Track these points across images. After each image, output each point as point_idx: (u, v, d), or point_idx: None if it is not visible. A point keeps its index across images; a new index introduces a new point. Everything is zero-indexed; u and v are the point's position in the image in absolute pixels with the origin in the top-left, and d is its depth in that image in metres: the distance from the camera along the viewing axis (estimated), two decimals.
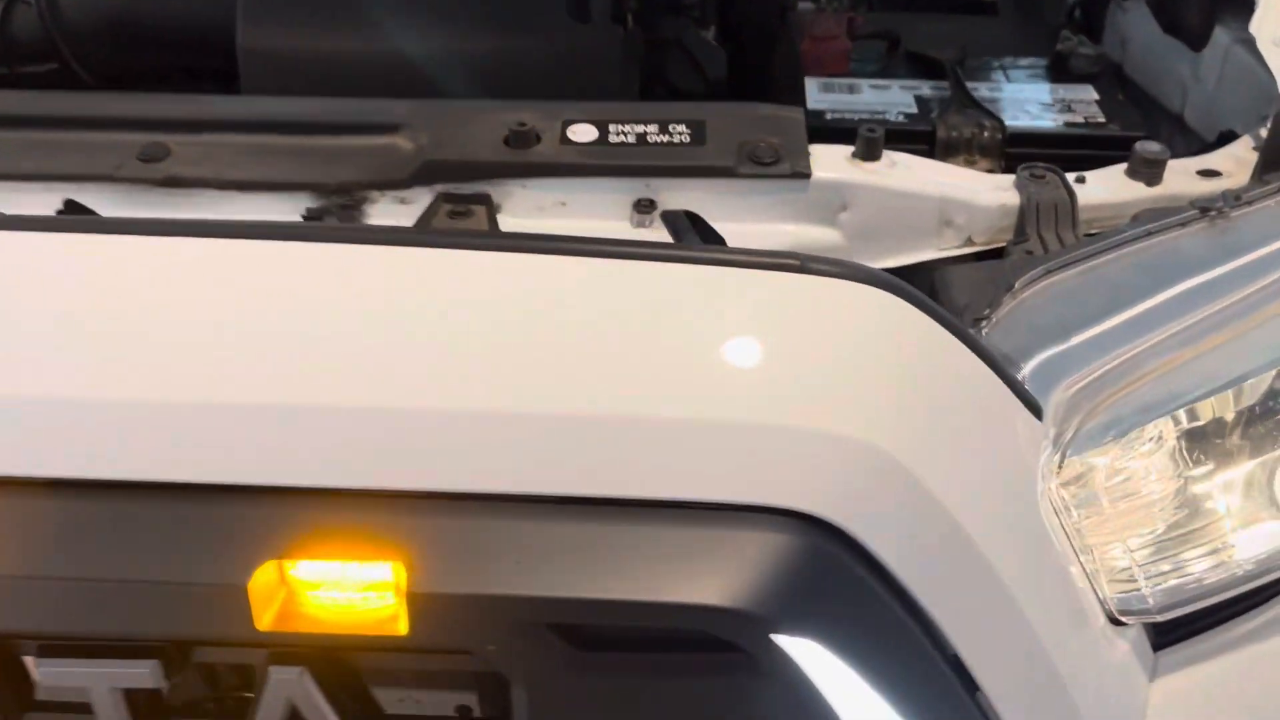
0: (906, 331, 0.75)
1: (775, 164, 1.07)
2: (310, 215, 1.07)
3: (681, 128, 1.12)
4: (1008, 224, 1.10)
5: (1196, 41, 1.41)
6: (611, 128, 1.12)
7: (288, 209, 1.06)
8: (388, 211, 1.10)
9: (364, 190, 1.09)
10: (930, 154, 1.33)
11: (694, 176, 1.08)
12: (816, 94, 1.44)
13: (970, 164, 1.32)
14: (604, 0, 1.36)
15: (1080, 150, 1.34)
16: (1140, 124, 1.37)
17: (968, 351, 0.77)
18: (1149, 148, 1.13)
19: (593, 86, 1.40)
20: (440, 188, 1.09)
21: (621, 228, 1.09)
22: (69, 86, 1.50)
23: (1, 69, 1.53)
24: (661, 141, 1.10)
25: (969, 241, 1.11)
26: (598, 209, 1.10)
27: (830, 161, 1.09)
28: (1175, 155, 1.47)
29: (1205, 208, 1.02)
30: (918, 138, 1.34)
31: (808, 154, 1.09)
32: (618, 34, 1.39)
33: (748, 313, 0.74)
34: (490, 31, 1.37)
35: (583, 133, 1.12)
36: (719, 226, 1.08)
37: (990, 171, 1.33)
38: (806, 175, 1.07)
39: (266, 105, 1.21)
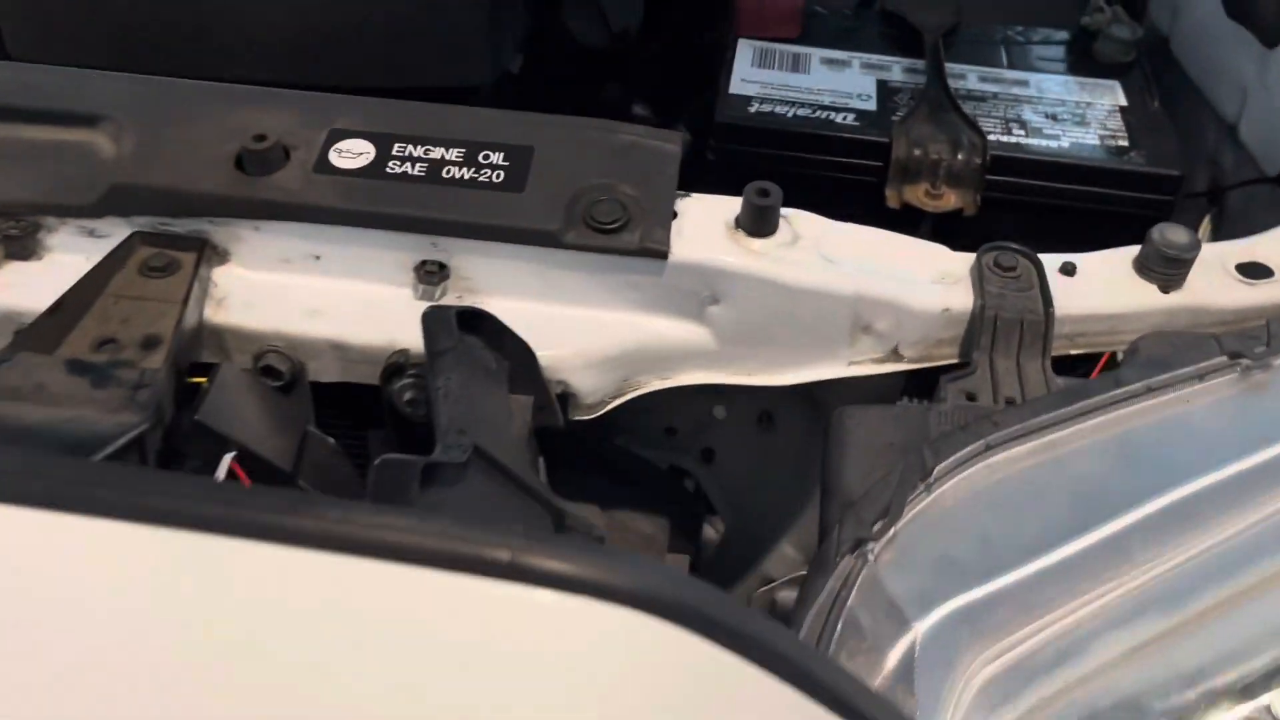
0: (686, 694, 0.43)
1: (619, 230, 0.73)
2: None
3: (497, 158, 0.77)
4: (951, 335, 0.77)
5: (1270, 35, 1.04)
6: (396, 148, 0.77)
7: None
8: (70, 246, 0.77)
9: (38, 214, 0.76)
10: (880, 180, 0.98)
11: (500, 240, 0.74)
12: (747, 69, 1.08)
13: (933, 197, 0.98)
14: None
15: (1084, 189, 0.99)
16: (1176, 156, 1.01)
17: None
18: (1172, 238, 0.78)
19: (451, 45, 1.04)
20: (141, 221, 0.75)
21: (403, 295, 0.76)
22: None
23: None
24: (462, 178, 0.76)
25: (894, 354, 0.78)
26: (366, 268, 0.76)
27: (701, 233, 0.75)
28: (1219, 181, 1.12)
29: (1236, 353, 0.69)
30: (867, 152, 0.99)
31: (670, 219, 0.75)
32: None
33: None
34: None
35: (352, 153, 0.77)
36: (540, 310, 0.75)
37: (961, 209, 0.98)
38: (661, 255, 0.73)
39: None
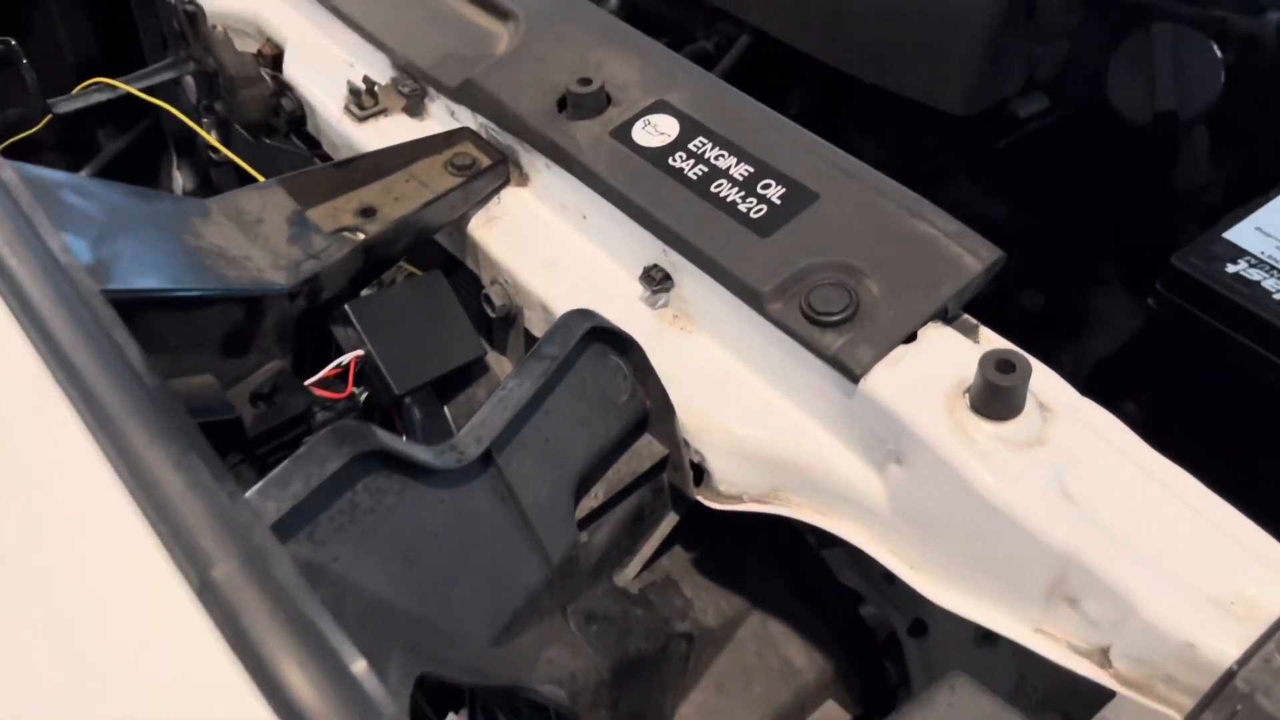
0: None
1: (831, 325, 0.60)
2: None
3: (775, 191, 0.67)
4: (1189, 681, 0.52)
5: None
6: (695, 142, 0.70)
7: None
8: (438, 117, 0.84)
9: (424, 81, 0.84)
10: None
11: (711, 276, 0.65)
12: (1276, 217, 0.79)
13: None
14: None
15: None
16: None
17: None
18: None
19: (939, 65, 0.91)
20: (483, 121, 0.79)
21: (631, 289, 0.71)
22: None
23: None
24: (726, 198, 0.67)
25: (1101, 655, 0.55)
26: (614, 248, 0.73)
27: (922, 376, 0.58)
28: None
29: None
30: None
31: (897, 341, 0.59)
32: None
33: None
34: None
35: (656, 130, 0.72)
36: (728, 366, 0.66)
37: None
38: (852, 376, 0.58)
39: None
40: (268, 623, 0.40)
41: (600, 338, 0.63)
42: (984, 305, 1.28)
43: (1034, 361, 0.60)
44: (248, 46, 1.00)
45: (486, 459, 0.57)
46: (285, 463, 0.50)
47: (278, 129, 0.96)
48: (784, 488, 0.64)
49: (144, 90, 0.93)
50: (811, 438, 0.63)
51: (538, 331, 0.74)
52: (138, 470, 0.43)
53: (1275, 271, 0.74)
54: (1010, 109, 0.98)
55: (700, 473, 0.66)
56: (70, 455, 0.44)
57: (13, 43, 0.88)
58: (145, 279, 0.58)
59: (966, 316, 0.63)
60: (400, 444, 0.53)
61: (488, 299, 0.76)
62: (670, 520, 0.70)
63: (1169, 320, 0.77)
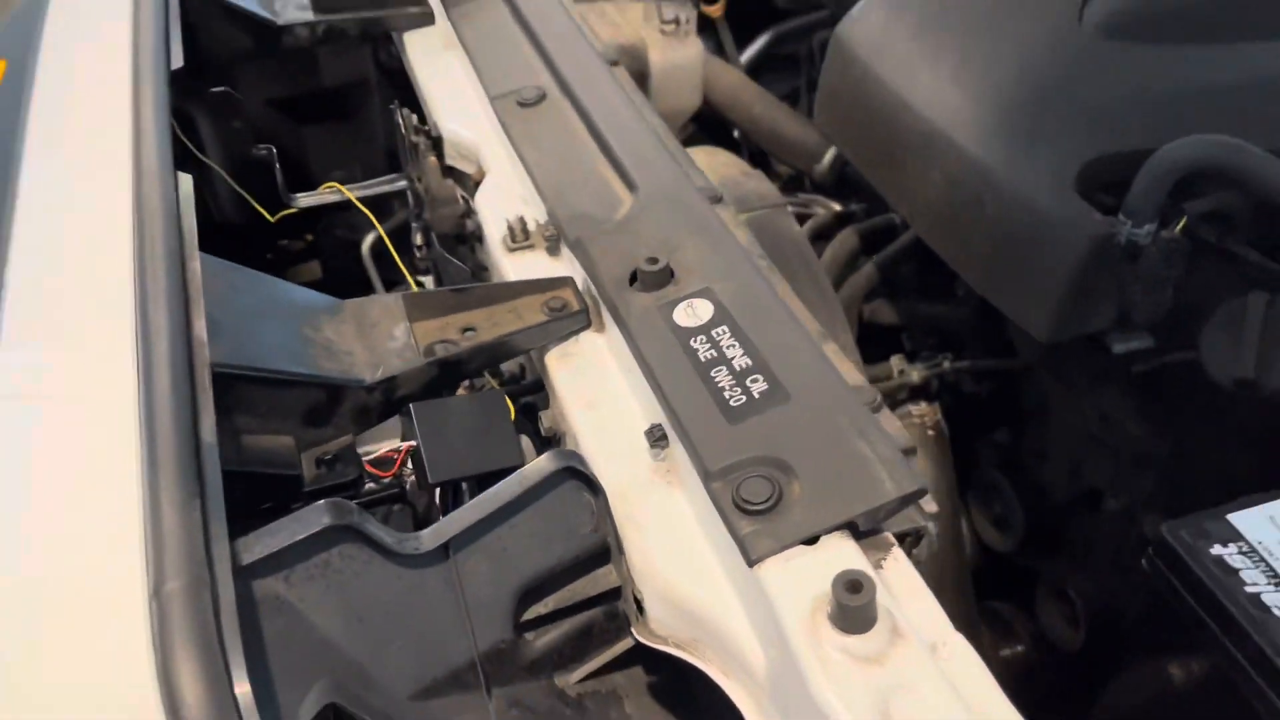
0: None
1: (747, 512, 0.69)
2: None
3: (758, 385, 0.77)
4: None
5: None
6: (717, 330, 0.82)
7: None
8: (568, 259, 1.01)
9: (560, 232, 1.01)
10: None
11: (686, 449, 0.76)
12: None
13: None
14: None
15: None
16: None
17: None
18: None
19: (1026, 286, 0.97)
20: (580, 272, 0.95)
21: (643, 447, 0.83)
22: None
23: None
24: (718, 383, 0.78)
25: None
26: (641, 401, 0.86)
27: (803, 575, 0.66)
28: None
29: None
30: None
31: (796, 541, 0.67)
32: None
33: None
34: None
35: (693, 312, 0.85)
36: (685, 520, 0.77)
37: None
38: (750, 561, 0.68)
39: None
40: (185, 634, 0.57)
41: (577, 476, 0.76)
42: (1111, 524, 1.27)
43: (921, 593, 0.66)
44: (469, 169, 1.23)
45: (444, 551, 0.72)
46: (282, 519, 0.67)
47: (466, 241, 1.18)
48: (701, 641, 0.74)
49: (369, 195, 1.17)
50: (726, 606, 0.72)
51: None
52: (154, 499, 0.62)
53: (1262, 564, 0.74)
54: (1107, 344, 1.00)
55: (640, 609, 0.77)
56: (118, 475, 0.64)
57: (273, 149, 1.15)
58: (256, 358, 0.79)
59: (886, 536, 0.70)
60: (373, 526, 0.69)
61: (540, 419, 0.91)
62: (625, 643, 0.81)
63: (1155, 585, 0.78)
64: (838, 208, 1.58)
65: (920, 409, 1.39)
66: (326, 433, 0.83)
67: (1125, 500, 1.25)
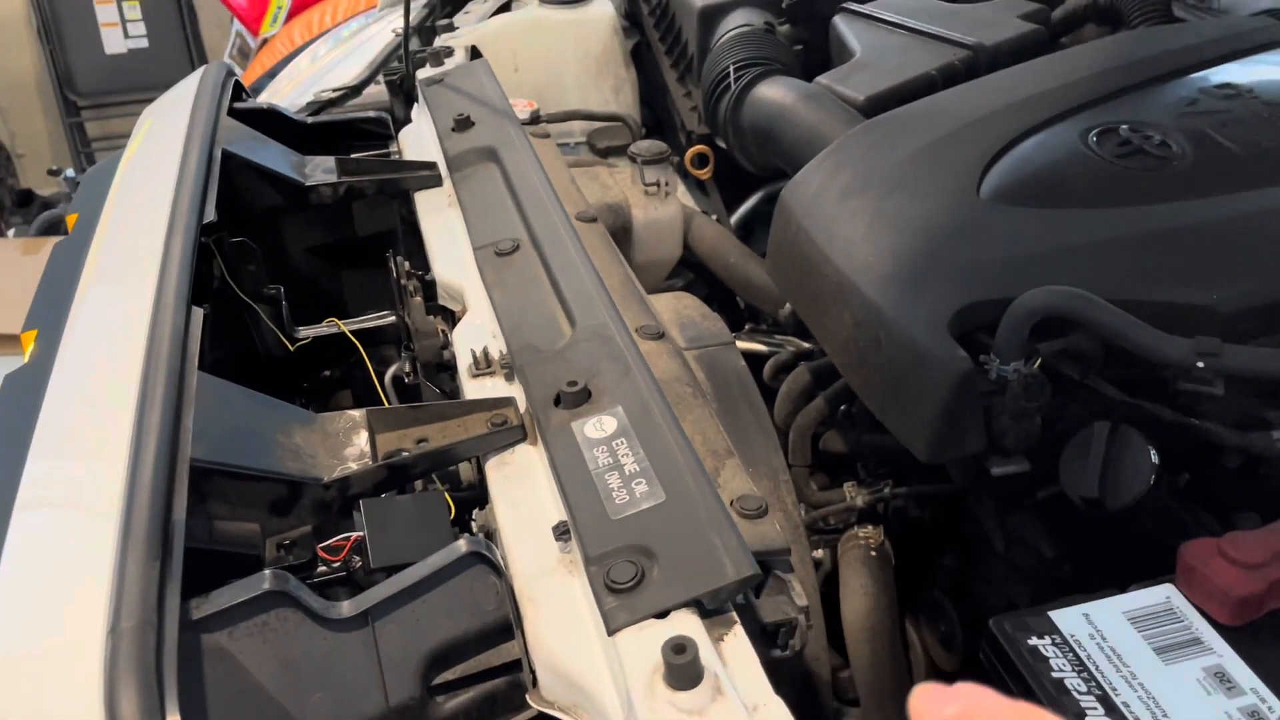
0: None
1: (613, 590, 0.83)
2: None
3: (642, 488, 0.91)
4: None
5: None
6: (619, 441, 0.97)
7: None
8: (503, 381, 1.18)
9: (512, 360, 1.18)
10: None
11: (577, 540, 0.90)
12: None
13: None
14: None
15: None
16: None
17: None
18: None
19: (913, 413, 1.11)
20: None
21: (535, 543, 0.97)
22: None
23: None
24: (609, 485, 0.93)
25: None
26: (553, 499, 1.00)
27: (647, 639, 0.79)
28: None
29: None
30: None
31: (644, 618, 0.81)
32: None
33: None
34: None
35: (600, 427, 1.00)
36: (576, 605, 0.90)
37: None
38: (610, 630, 0.81)
39: None
40: (129, 666, 0.72)
41: (484, 561, 0.91)
42: None
43: (751, 663, 0.79)
44: (455, 307, 1.42)
45: (365, 619, 0.86)
46: (227, 585, 0.83)
47: (446, 368, 1.36)
48: (580, 705, 0.86)
49: (361, 329, 1.36)
50: (597, 672, 0.85)
51: (499, 547, 1.03)
52: (123, 556, 0.78)
53: (1069, 654, 0.85)
54: (986, 466, 1.13)
55: (534, 678, 0.90)
56: (99, 540, 0.81)
57: (281, 288, 1.36)
58: (231, 455, 0.96)
59: (731, 614, 0.83)
60: (304, 594, 0.84)
61: (473, 517, 1.06)
62: (529, 712, 0.93)
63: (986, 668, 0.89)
64: (807, 346, 1.74)
65: (866, 531, 1.51)
66: (288, 522, 0.99)
67: None
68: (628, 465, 0.95)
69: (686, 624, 0.81)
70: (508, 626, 0.91)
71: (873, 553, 1.50)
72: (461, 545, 0.91)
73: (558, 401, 1.05)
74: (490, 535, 1.06)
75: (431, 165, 1.66)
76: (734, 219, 2.18)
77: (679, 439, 0.98)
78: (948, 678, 1.54)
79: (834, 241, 1.30)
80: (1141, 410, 1.08)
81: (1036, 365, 1.06)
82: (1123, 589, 0.98)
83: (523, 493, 1.04)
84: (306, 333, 1.39)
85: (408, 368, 1.41)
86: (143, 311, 1.07)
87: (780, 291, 1.46)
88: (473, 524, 1.05)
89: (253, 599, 0.82)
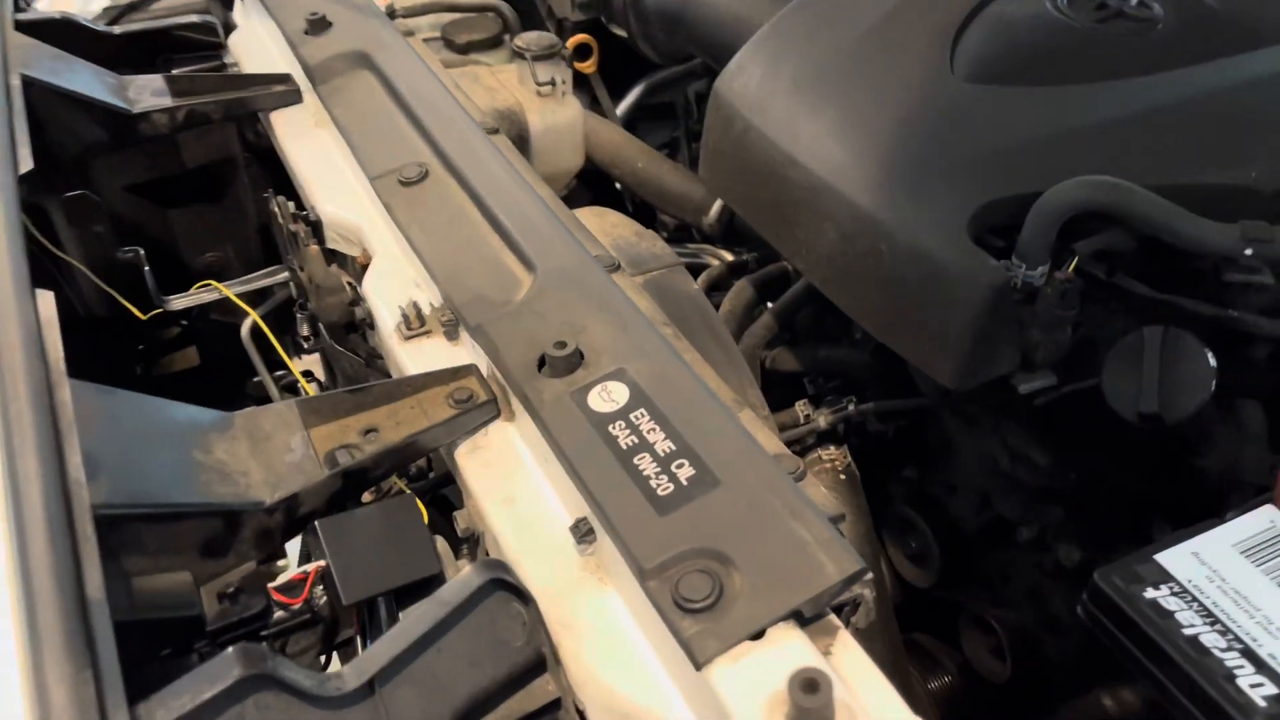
0: None
1: (688, 611, 0.67)
2: None
3: (685, 472, 0.75)
4: None
5: None
6: (635, 414, 0.79)
7: None
8: (468, 344, 0.97)
9: (458, 316, 0.97)
10: None
11: (615, 545, 0.73)
12: (1219, 548, 0.80)
13: None
14: None
15: None
16: None
17: None
18: None
19: (933, 334, 0.97)
20: (485, 359, 0.91)
21: (568, 541, 0.79)
22: None
23: None
24: (643, 470, 0.75)
25: None
26: (561, 493, 0.82)
27: (748, 671, 0.64)
28: None
29: None
30: None
31: (743, 636, 0.65)
32: None
33: None
34: None
35: (608, 397, 0.82)
36: (623, 626, 0.73)
37: None
38: (697, 664, 0.65)
39: None
40: None
41: (504, 586, 0.72)
42: (1025, 554, 1.28)
43: (872, 676, 0.64)
44: (353, 251, 1.18)
45: (369, 688, 0.66)
46: (184, 676, 0.61)
47: (356, 329, 1.13)
48: None
49: (248, 291, 1.11)
50: (676, 712, 0.69)
51: (492, 553, 0.84)
52: (39, 678, 0.55)
53: (1194, 604, 0.75)
54: (1011, 384, 1.02)
55: (583, 714, 0.73)
56: None
57: (140, 250, 1.08)
58: (143, 492, 0.72)
59: (831, 618, 0.69)
60: (289, 671, 0.64)
61: (455, 520, 0.86)
62: None
63: (1095, 631, 0.79)
64: (729, 258, 1.58)
65: (830, 453, 1.39)
66: (227, 562, 0.77)
67: (1036, 530, 1.27)
68: (658, 443, 0.77)
69: (788, 642, 0.66)
70: (540, 662, 0.74)
71: (841, 475, 1.39)
72: (474, 573, 0.72)
73: (541, 366, 0.86)
74: (475, 541, 0.87)
75: (285, 78, 1.38)
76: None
77: (711, 402, 0.81)
78: (923, 596, 1.47)
79: (799, 141, 1.14)
80: (1175, 308, 0.98)
81: (1072, 268, 0.94)
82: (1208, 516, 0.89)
83: (512, 484, 0.85)
84: (181, 302, 1.12)
85: (305, 330, 1.17)
86: None
87: (723, 198, 1.30)
88: (457, 528, 0.86)
89: (224, 691, 0.61)
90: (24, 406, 0.70)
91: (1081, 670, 1.21)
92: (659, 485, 0.74)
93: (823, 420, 1.37)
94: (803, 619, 0.67)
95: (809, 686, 0.60)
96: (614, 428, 0.79)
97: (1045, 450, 1.19)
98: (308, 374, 1.22)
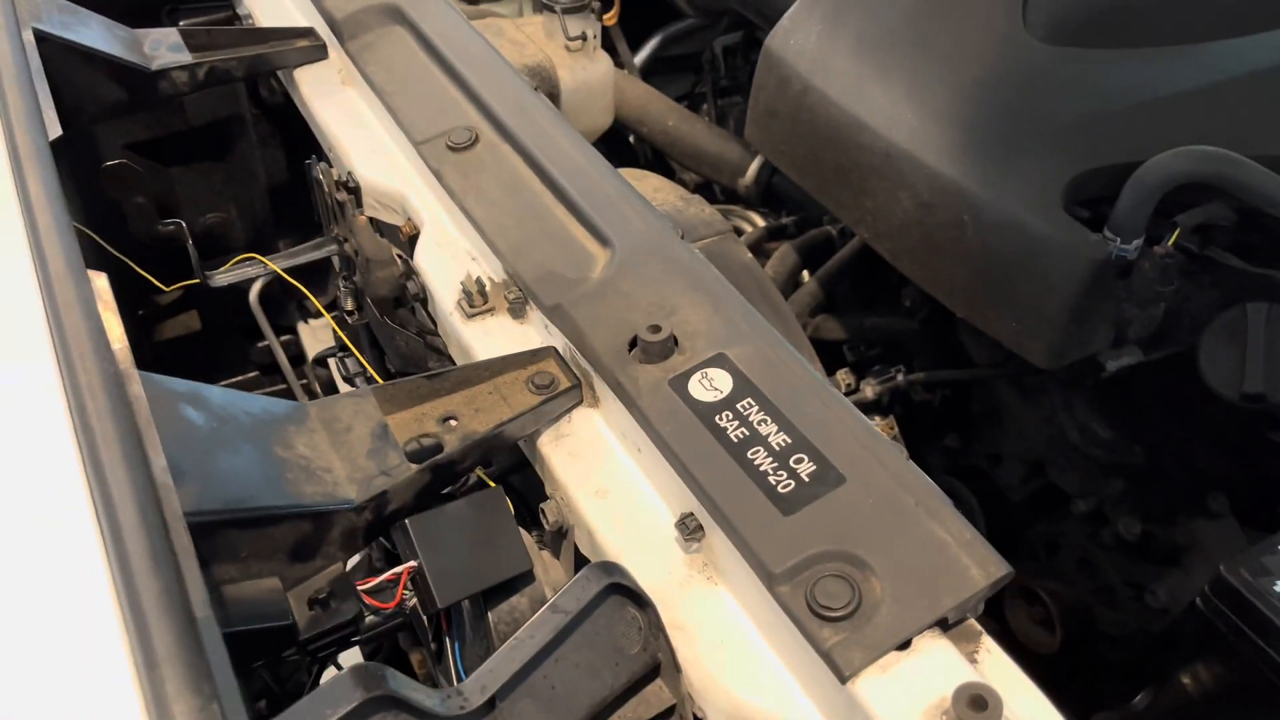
0: None
1: (827, 620, 0.63)
2: None
3: (806, 468, 0.71)
4: None
5: None
6: (743, 404, 0.75)
7: None
8: (536, 322, 0.92)
9: (528, 295, 0.92)
10: None
11: (734, 545, 0.69)
12: None
13: None
14: None
15: None
16: None
17: None
18: None
19: (1026, 315, 0.94)
20: (564, 340, 0.86)
21: (671, 528, 0.75)
22: None
23: None
24: (759, 466, 0.71)
25: None
26: (659, 485, 0.78)
27: (898, 683, 0.60)
28: None
29: None
30: None
31: (891, 646, 0.61)
32: None
33: None
34: None
35: (710, 385, 0.77)
36: (743, 631, 0.69)
37: None
38: (843, 677, 0.61)
39: None
40: None
41: (619, 591, 0.68)
42: (1078, 526, 1.26)
43: (1023, 684, 0.61)
44: (394, 220, 1.12)
45: (490, 704, 0.62)
46: (304, 699, 0.57)
47: (406, 304, 1.07)
48: None
49: (295, 265, 1.05)
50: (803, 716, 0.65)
51: (585, 549, 0.80)
52: (168, 704, 0.51)
53: None
54: (1098, 360, 0.98)
55: None
56: (108, 681, 0.52)
57: (182, 224, 1.02)
58: (231, 497, 0.67)
59: (971, 623, 0.65)
60: (410, 690, 0.59)
61: (543, 512, 0.82)
62: None
63: (1211, 623, 0.76)
64: (761, 221, 1.53)
65: (877, 424, 1.36)
66: (314, 565, 0.72)
67: (1094, 502, 1.24)
68: (772, 436, 0.73)
69: (937, 653, 0.62)
70: (655, 667, 0.70)
71: None
72: (590, 579, 0.67)
73: (633, 346, 0.81)
74: (562, 534, 0.83)
75: (309, 32, 1.30)
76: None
77: (823, 389, 0.76)
78: None
79: (869, 104, 1.09)
80: (1271, 281, 0.95)
81: (1172, 241, 0.91)
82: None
83: (604, 475, 0.80)
84: (223, 278, 1.05)
85: (350, 304, 1.11)
86: (28, 297, 0.73)
87: (775, 161, 1.24)
88: (545, 521, 0.81)
89: (348, 715, 0.57)
90: (100, 405, 0.65)
91: (1136, 644, 1.20)
92: (778, 482, 0.70)
93: (870, 391, 1.34)
94: (946, 625, 0.64)
95: (977, 704, 0.57)
96: (721, 419, 0.75)
97: (1115, 424, 1.16)
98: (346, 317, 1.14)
